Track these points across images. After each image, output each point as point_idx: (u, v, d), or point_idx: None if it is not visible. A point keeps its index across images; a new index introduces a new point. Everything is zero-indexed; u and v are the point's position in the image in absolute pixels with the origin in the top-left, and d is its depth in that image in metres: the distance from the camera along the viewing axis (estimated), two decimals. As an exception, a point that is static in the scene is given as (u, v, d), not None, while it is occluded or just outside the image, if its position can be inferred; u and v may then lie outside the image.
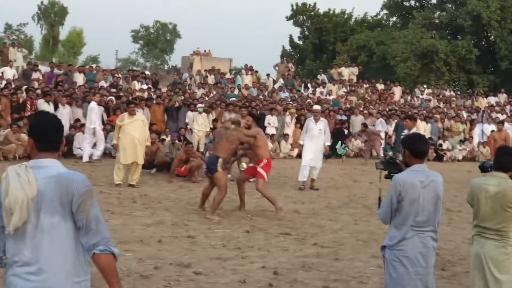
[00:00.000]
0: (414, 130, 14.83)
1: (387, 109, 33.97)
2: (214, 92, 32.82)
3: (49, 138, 4.39)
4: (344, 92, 37.74)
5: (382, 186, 7.37)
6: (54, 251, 4.11)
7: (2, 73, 29.80)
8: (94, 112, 22.91)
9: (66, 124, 24.50)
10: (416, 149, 6.40)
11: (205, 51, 45.83)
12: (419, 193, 6.27)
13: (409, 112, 29.67)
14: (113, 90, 29.25)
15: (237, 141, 14.07)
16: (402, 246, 6.29)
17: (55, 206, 4.12)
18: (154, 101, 26.87)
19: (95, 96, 23.99)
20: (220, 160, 13.70)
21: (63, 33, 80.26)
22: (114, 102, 26.29)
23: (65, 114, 24.63)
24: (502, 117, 34.38)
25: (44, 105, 24.27)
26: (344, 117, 31.12)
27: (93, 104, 22.95)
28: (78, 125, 24.37)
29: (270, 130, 27.98)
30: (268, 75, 41.15)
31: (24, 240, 4.10)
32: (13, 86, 26.11)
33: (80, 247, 4.20)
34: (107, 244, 4.20)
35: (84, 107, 24.84)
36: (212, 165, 13.77)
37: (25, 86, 26.78)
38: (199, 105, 26.43)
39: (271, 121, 28.46)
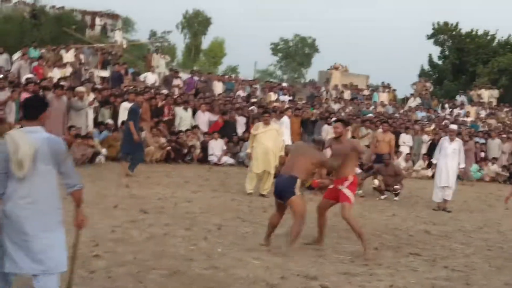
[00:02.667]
0: None
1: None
2: (350, 108, 32.72)
3: (32, 111, 6.28)
4: (483, 114, 36.83)
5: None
6: (45, 188, 6.16)
7: (145, 78, 30.79)
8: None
9: (204, 129, 25.30)
10: None
11: (342, 66, 45.78)
12: None
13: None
14: (254, 100, 29.81)
15: (318, 162, 11.62)
16: None
17: (48, 158, 6.12)
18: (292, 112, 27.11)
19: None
20: (299, 181, 11.13)
21: (205, 42, 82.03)
22: (256, 112, 26.84)
23: (205, 121, 25.50)
24: None
25: (181, 111, 24.99)
26: (482, 140, 30.28)
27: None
28: (211, 132, 25.11)
29: (404, 149, 27.66)
30: (412, 94, 40.66)
31: (25, 181, 6.05)
32: (155, 90, 27.03)
33: (57, 187, 6.28)
34: (79, 184, 6.36)
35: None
36: (288, 188, 11.09)
37: (165, 92, 27.63)
38: (334, 119, 26.39)
39: (405, 139, 28.10)
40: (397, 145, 27.11)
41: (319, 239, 11.91)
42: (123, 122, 21.68)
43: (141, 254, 9.74)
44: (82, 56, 31.51)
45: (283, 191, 11.12)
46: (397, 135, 27.51)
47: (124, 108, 23.31)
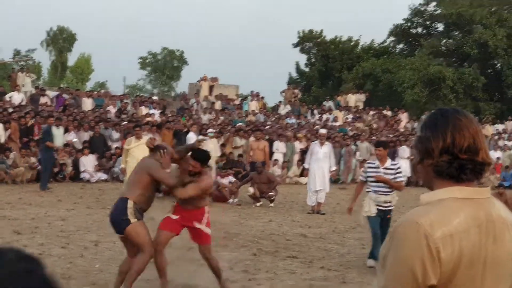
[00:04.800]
0: (388, 163, 11.76)
1: (391, 136, 33.90)
2: (222, 118, 32.95)
3: None
4: (350, 118, 37.85)
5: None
6: None
7: (11, 97, 29.97)
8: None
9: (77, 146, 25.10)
10: None
11: (212, 77, 45.97)
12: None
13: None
14: (124, 115, 29.64)
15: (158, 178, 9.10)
16: None
17: None
18: (164, 127, 27.03)
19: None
20: (130, 203, 8.70)
21: (72, 59, 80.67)
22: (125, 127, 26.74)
23: (76, 138, 25.30)
24: (510, 143, 34.58)
25: (53, 129, 24.51)
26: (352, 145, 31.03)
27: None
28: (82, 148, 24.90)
29: (278, 156, 28.04)
30: (280, 102, 41.16)
31: None
32: (23, 110, 26.41)
33: None
34: None
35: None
36: (118, 216, 8.70)
37: (33, 111, 27.03)
38: (210, 129, 26.42)
39: (279, 147, 28.50)
40: (271, 153, 27.41)
41: (164, 282, 9.25)
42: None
43: (16, 276, 9.48)
44: None
45: (113, 222, 8.78)
46: (270, 142, 27.84)
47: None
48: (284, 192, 22.38)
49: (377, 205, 11.46)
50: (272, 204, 20.03)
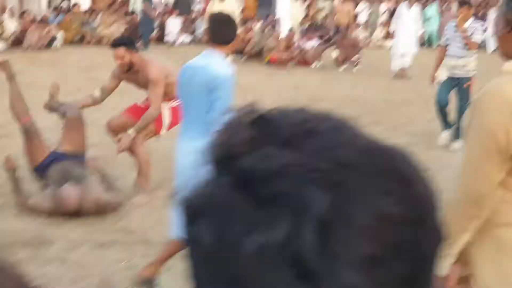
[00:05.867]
0: (468, 24, 10.52)
1: None
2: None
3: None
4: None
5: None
6: None
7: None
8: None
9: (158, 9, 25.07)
10: None
11: None
12: None
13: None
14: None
15: None
16: None
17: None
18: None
19: None
20: None
21: None
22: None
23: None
24: None
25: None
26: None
27: None
28: (167, 11, 24.70)
29: (362, 18, 27.46)
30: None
31: None
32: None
33: None
34: None
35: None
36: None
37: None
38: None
39: (363, 9, 27.89)
40: (356, 16, 26.90)
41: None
42: (74, 4, 22.35)
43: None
44: None
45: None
46: (355, 5, 27.25)
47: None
48: (368, 56, 22.08)
49: (449, 71, 10.79)
50: (355, 69, 19.84)
